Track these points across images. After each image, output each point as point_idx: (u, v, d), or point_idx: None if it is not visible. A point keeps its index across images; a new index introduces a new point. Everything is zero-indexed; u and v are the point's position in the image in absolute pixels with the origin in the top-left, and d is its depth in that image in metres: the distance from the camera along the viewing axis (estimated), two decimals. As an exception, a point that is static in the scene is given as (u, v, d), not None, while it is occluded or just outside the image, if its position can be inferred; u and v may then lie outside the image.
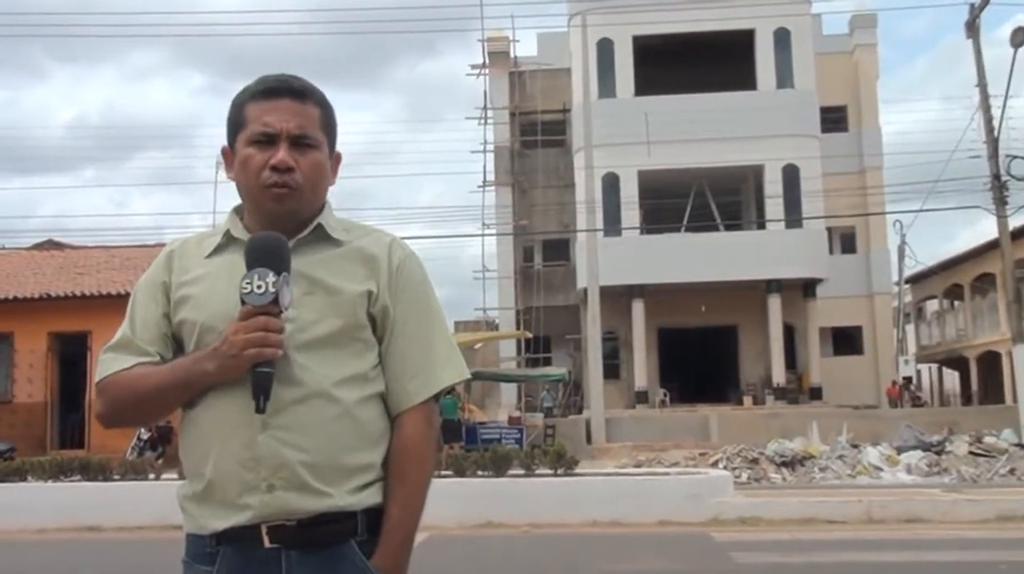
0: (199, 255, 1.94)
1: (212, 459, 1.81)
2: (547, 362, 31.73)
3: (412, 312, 1.94)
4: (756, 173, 30.33)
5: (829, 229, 31.35)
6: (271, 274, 1.76)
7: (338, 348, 1.85)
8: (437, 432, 2.00)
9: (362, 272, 1.90)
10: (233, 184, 1.97)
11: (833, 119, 33.78)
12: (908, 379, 33.64)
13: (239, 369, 1.77)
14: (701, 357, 30.83)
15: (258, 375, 1.75)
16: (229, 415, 1.81)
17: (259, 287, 1.75)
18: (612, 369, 29.44)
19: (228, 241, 1.93)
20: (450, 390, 2.03)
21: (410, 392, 1.91)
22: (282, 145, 1.87)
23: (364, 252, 1.93)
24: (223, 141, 1.98)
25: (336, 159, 2.02)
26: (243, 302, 1.77)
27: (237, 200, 1.98)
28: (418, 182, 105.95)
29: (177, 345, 1.92)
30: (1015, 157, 23.06)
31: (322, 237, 1.92)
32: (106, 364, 1.90)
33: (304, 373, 1.81)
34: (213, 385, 1.81)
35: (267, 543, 1.80)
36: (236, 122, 1.94)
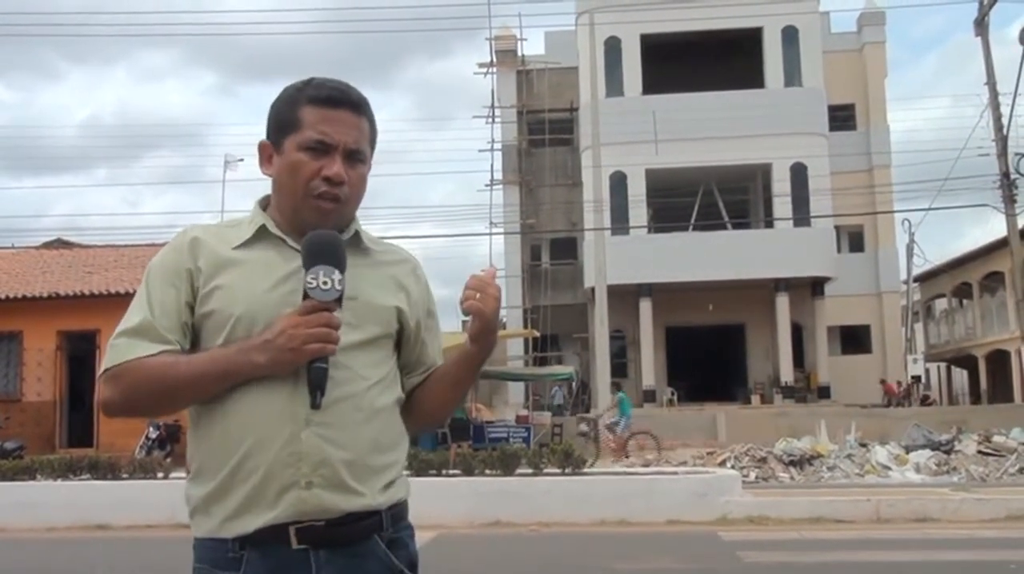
0: (226, 245, 1.90)
1: (247, 453, 1.78)
2: (556, 361, 31.74)
3: (434, 321, 2.09)
4: (764, 171, 30.32)
5: (837, 227, 31.34)
6: (336, 272, 1.78)
7: (372, 352, 1.89)
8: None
9: (392, 285, 1.96)
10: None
11: (841, 117, 33.75)
12: (916, 378, 33.56)
13: (295, 363, 1.77)
14: (709, 356, 30.83)
15: (316, 371, 1.76)
16: (273, 410, 1.79)
17: (325, 283, 1.77)
18: (620, 368, 29.44)
19: (261, 235, 1.91)
20: None
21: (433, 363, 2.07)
22: (337, 157, 1.87)
23: (394, 268, 2.00)
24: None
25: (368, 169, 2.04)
26: (306, 296, 1.77)
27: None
28: (427, 181, 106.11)
29: (194, 335, 1.88)
30: (1024, 155, 23.01)
31: (357, 244, 1.95)
32: (121, 349, 1.83)
33: (345, 373, 1.82)
34: (255, 378, 1.79)
35: (295, 544, 1.78)
36: (288, 122, 1.90)
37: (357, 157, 1.90)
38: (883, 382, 32.17)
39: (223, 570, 1.80)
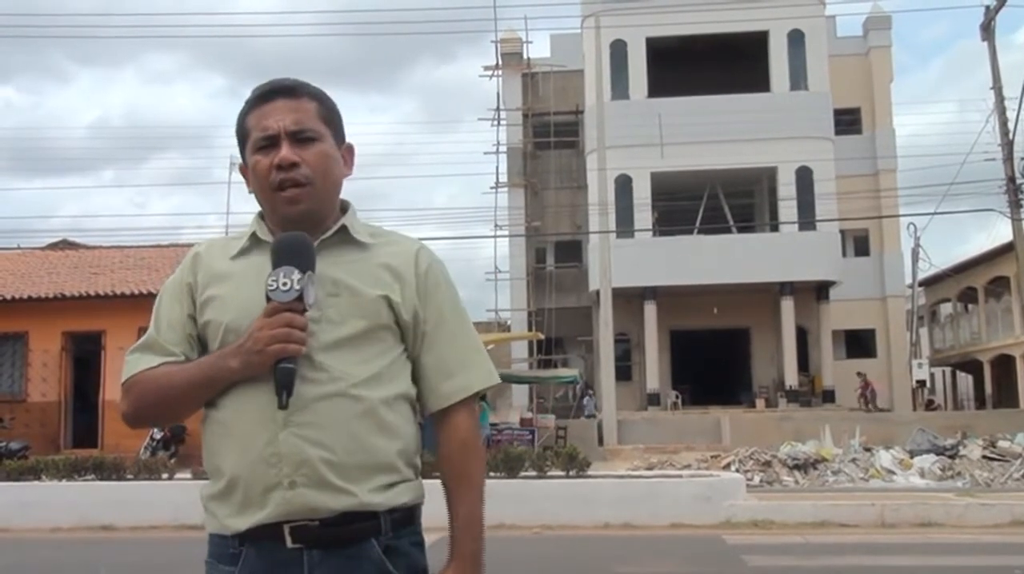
0: (224, 257, 1.95)
1: (235, 456, 1.83)
2: (561, 364, 31.72)
3: (444, 316, 1.96)
4: (769, 175, 30.27)
5: (842, 231, 31.24)
6: (296, 272, 1.79)
7: (361, 348, 1.86)
8: (480, 430, 2.04)
9: (387, 276, 1.91)
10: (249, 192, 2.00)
11: (847, 121, 33.69)
12: (921, 382, 33.42)
13: (263, 365, 1.78)
14: (713, 359, 30.78)
15: (281, 371, 1.77)
16: (251, 412, 1.82)
17: (284, 284, 1.78)
18: (624, 371, 29.40)
19: (254, 243, 1.94)
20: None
21: (447, 393, 1.94)
22: (283, 143, 1.89)
23: (390, 257, 1.94)
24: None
25: (348, 150, 2.03)
26: (268, 299, 1.80)
27: (251, 200, 2.01)
28: (432, 183, 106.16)
29: (202, 346, 1.93)
30: (1030, 160, 22.98)
31: (346, 239, 1.94)
32: (131, 364, 1.92)
33: (326, 372, 1.82)
34: (236, 382, 1.83)
35: (289, 543, 1.80)
36: (241, 136, 1.98)
37: (304, 136, 1.91)
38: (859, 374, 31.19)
39: (226, 565, 1.86)
